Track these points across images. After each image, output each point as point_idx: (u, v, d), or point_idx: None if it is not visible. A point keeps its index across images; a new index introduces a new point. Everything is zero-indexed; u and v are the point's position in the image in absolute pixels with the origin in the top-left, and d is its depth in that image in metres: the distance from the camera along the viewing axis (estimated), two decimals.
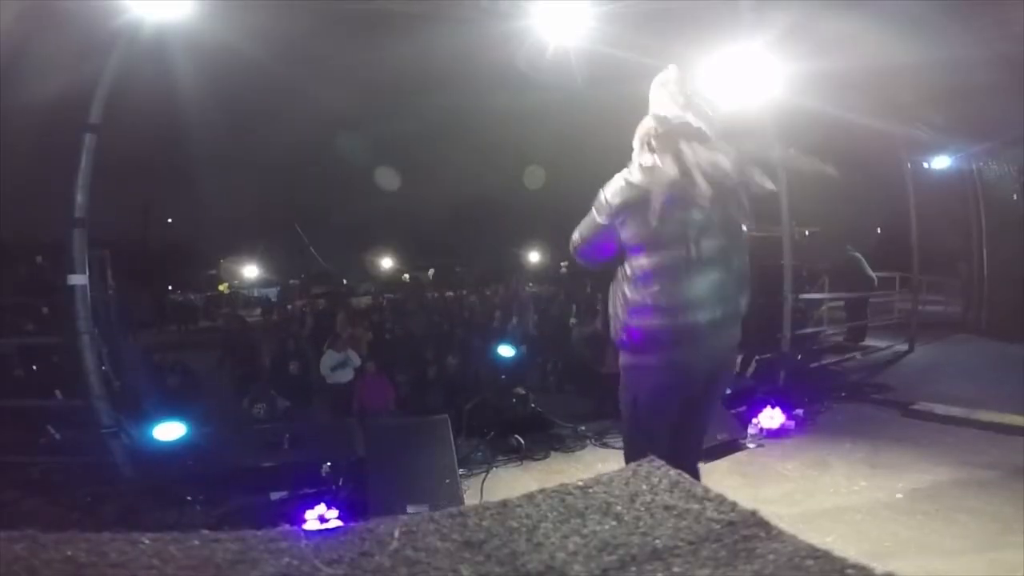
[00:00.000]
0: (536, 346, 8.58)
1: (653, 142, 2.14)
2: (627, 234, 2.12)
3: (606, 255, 2.26)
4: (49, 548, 0.93)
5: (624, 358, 2.26)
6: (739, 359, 2.34)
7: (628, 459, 2.22)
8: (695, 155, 2.06)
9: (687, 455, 2.23)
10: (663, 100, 2.20)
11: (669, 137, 2.11)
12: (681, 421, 2.21)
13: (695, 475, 2.23)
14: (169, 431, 4.33)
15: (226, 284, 29.01)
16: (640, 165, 2.15)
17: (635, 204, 2.08)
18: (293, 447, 3.81)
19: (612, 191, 2.15)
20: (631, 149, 2.24)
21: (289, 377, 6.60)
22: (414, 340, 8.51)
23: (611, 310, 2.26)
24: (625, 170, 2.19)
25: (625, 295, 2.16)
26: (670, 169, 2.06)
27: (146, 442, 4.23)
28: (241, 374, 7.34)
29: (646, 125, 2.20)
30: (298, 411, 6.03)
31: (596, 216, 2.20)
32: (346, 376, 6.63)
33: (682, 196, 2.03)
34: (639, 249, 2.12)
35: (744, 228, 2.21)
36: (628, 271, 2.16)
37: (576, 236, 2.32)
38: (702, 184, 2.02)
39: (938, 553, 2.58)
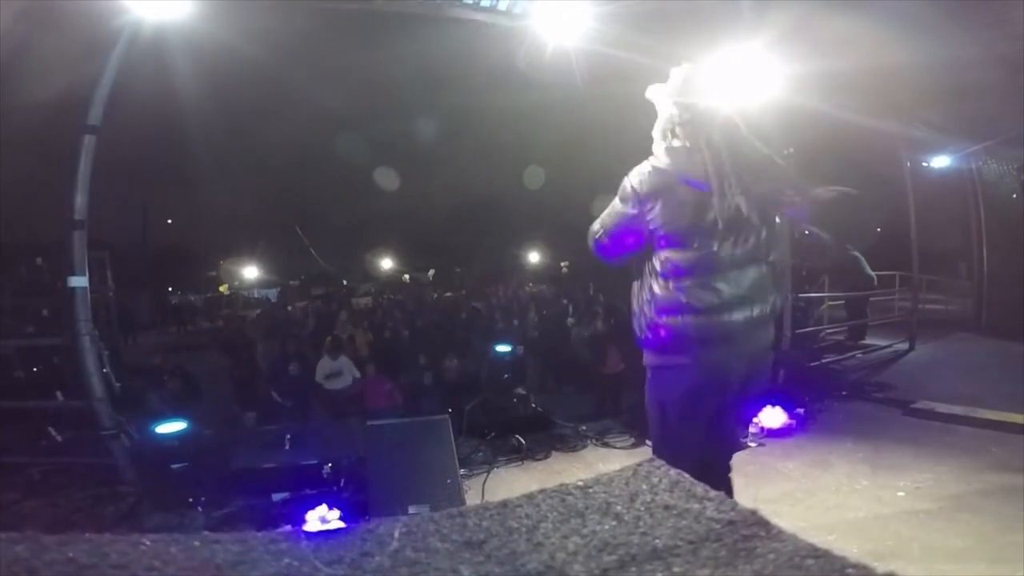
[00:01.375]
0: (536, 346, 8.59)
1: (678, 129, 2.03)
2: (655, 224, 1.97)
3: (630, 248, 2.09)
4: (50, 549, 0.93)
5: (651, 358, 2.13)
6: (772, 358, 2.23)
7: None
8: (727, 140, 1.96)
9: (719, 460, 2.18)
10: (684, 90, 2.09)
11: (695, 124, 2.00)
12: (713, 425, 2.09)
13: (728, 480, 2.18)
14: (169, 427, 4.36)
15: (226, 285, 29.02)
16: (666, 148, 2.04)
17: (664, 190, 1.96)
18: (294, 448, 3.81)
19: (638, 178, 2.01)
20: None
21: (288, 379, 6.60)
22: (414, 341, 8.51)
23: (635, 307, 2.12)
24: (651, 156, 2.07)
25: (653, 291, 2.02)
26: (699, 152, 1.94)
27: (147, 442, 4.24)
28: (239, 375, 7.34)
29: (667, 113, 2.09)
30: (297, 413, 6.03)
31: (620, 205, 2.05)
32: (342, 383, 6.62)
33: (714, 181, 1.91)
34: (668, 241, 1.98)
35: (778, 221, 2.09)
36: (656, 265, 2.01)
37: (597, 226, 2.15)
38: (734, 170, 1.91)
39: (940, 552, 2.57)
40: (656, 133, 2.12)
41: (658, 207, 1.96)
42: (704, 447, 2.08)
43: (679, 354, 2.01)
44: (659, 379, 2.11)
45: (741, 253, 1.96)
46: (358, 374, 6.67)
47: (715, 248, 1.94)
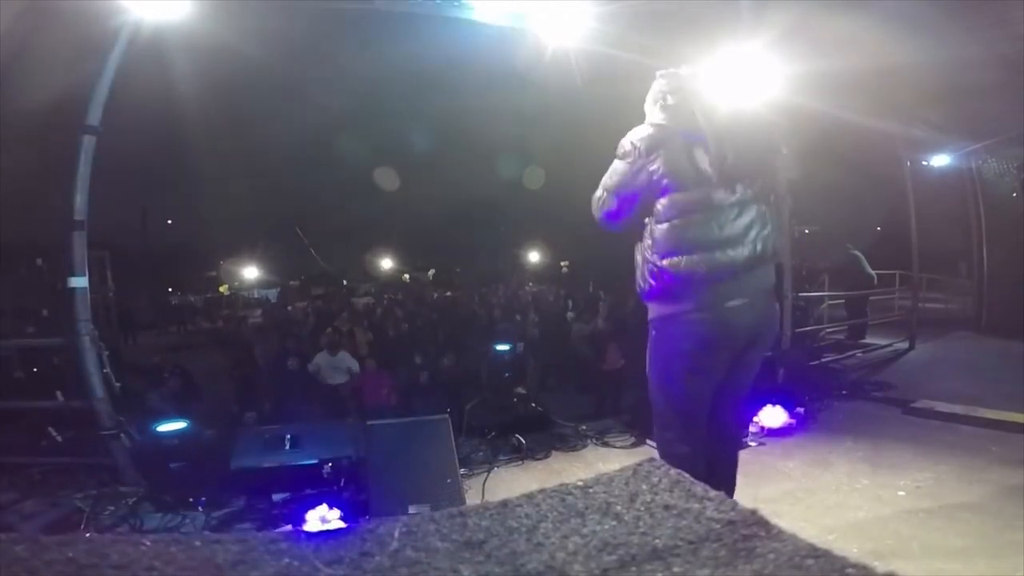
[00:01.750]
0: (536, 345, 8.59)
1: (668, 97, 2.17)
2: (658, 174, 2.06)
3: (635, 204, 2.15)
4: (50, 549, 0.93)
5: (655, 309, 2.15)
6: (778, 314, 2.26)
7: (657, 432, 2.23)
8: (712, 101, 2.09)
9: (727, 427, 2.22)
10: (671, 74, 2.25)
11: (684, 90, 2.15)
12: (724, 386, 2.11)
13: (734, 454, 2.26)
14: (170, 427, 4.36)
15: (226, 285, 29.03)
16: (661, 106, 2.17)
17: (664, 141, 2.07)
18: (294, 448, 3.81)
19: (637, 135, 2.12)
20: None
21: (287, 375, 6.60)
22: (414, 340, 8.51)
23: (637, 260, 2.17)
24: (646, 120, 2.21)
25: (654, 237, 2.09)
26: (690, 109, 2.08)
27: (147, 442, 4.24)
28: (239, 375, 7.35)
29: (657, 86, 2.22)
30: (296, 410, 6.03)
31: (622, 163, 2.14)
32: (340, 378, 6.62)
33: (707, 132, 2.03)
34: (669, 187, 2.06)
35: (778, 169, 2.19)
36: (658, 210, 2.09)
37: (600, 191, 2.22)
38: (720, 122, 2.04)
39: (940, 551, 2.57)
40: (648, 103, 2.25)
41: (659, 158, 2.06)
42: (712, 405, 2.11)
43: (684, 299, 2.05)
44: (664, 331, 2.12)
45: (738, 196, 2.05)
46: (356, 369, 6.67)
47: (713, 191, 2.03)
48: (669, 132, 2.09)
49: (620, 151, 2.15)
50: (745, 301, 2.05)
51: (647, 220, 2.14)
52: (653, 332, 2.18)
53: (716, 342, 2.06)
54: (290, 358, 6.76)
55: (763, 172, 2.10)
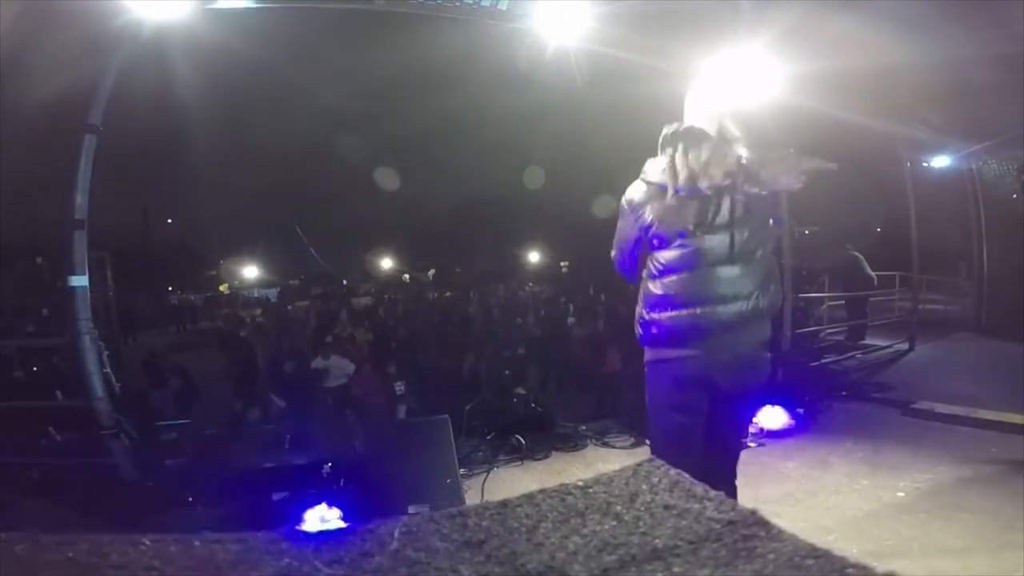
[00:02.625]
0: (536, 346, 8.59)
1: (665, 145, 2.24)
2: (647, 229, 2.18)
3: (637, 258, 2.28)
4: (50, 549, 0.93)
5: (647, 354, 2.27)
6: (768, 362, 2.29)
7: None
8: (700, 154, 2.13)
9: (721, 464, 2.25)
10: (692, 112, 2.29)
11: (675, 138, 2.20)
12: (709, 425, 2.20)
13: (731, 482, 2.26)
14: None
15: (226, 285, 29.05)
16: (649, 162, 2.25)
17: (652, 197, 2.17)
18: (294, 448, 3.81)
19: (630, 192, 2.25)
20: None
21: (285, 377, 6.60)
22: (414, 340, 8.51)
23: (637, 309, 2.27)
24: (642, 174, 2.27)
25: (647, 289, 2.21)
26: (680, 164, 2.13)
27: (147, 441, 4.24)
28: (239, 375, 7.35)
29: (662, 140, 2.28)
30: (294, 411, 6.03)
31: (621, 220, 2.28)
32: (335, 382, 6.60)
33: (693, 188, 2.10)
34: (658, 242, 2.17)
35: (771, 222, 2.25)
36: (649, 267, 2.21)
37: (613, 251, 2.37)
38: (706, 178, 2.10)
39: (940, 552, 2.58)
40: (649, 161, 2.30)
41: (647, 212, 2.18)
42: (702, 448, 2.17)
43: (669, 347, 2.18)
44: (652, 373, 2.27)
45: (725, 251, 2.11)
46: (351, 370, 6.66)
47: (699, 245, 2.11)
48: (660, 189, 2.16)
49: (619, 210, 2.29)
50: (732, 351, 2.14)
51: (644, 274, 2.25)
52: (646, 372, 2.29)
53: (696, 382, 2.16)
54: (287, 360, 6.76)
55: (753, 225, 2.14)
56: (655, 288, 2.17)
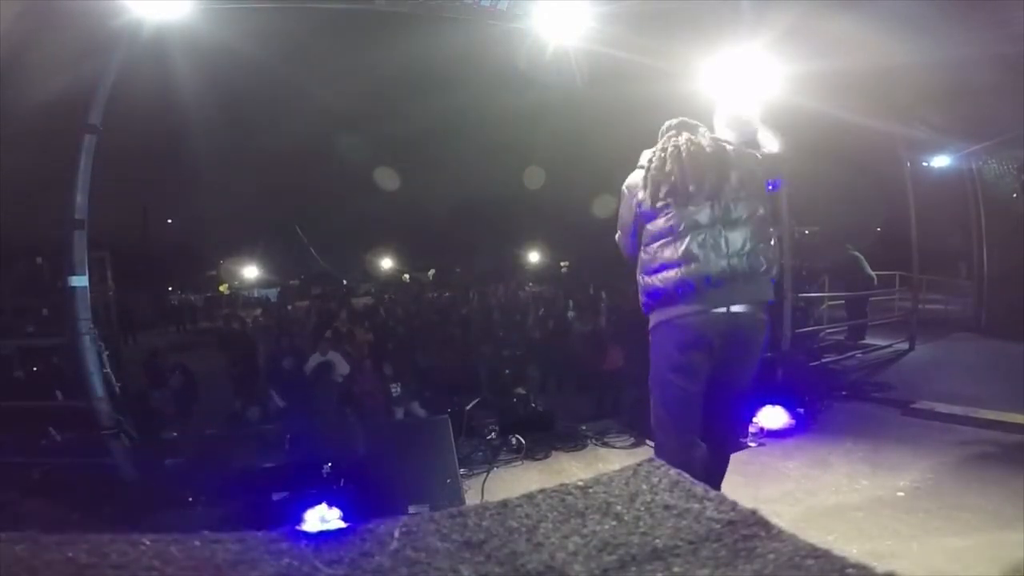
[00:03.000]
0: (537, 346, 8.59)
1: (662, 134, 2.57)
2: (638, 207, 2.43)
3: (636, 237, 2.51)
4: (50, 549, 0.93)
5: (650, 322, 2.44)
6: (764, 324, 2.43)
7: (656, 431, 2.48)
8: (689, 137, 2.46)
9: (722, 425, 2.42)
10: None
11: (670, 128, 2.57)
12: (712, 388, 2.33)
13: (726, 457, 2.47)
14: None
15: (226, 285, 29.04)
16: (649, 151, 2.53)
17: (644, 179, 2.44)
18: (294, 447, 3.81)
19: (630, 178, 2.53)
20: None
21: (284, 374, 6.59)
22: (414, 340, 8.51)
23: (637, 282, 2.47)
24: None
25: (642, 259, 2.44)
26: (670, 146, 2.44)
27: (146, 441, 4.24)
28: (239, 375, 7.34)
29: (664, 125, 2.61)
30: (293, 410, 6.02)
31: (622, 206, 2.54)
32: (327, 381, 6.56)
33: (684, 165, 2.37)
34: (651, 215, 2.40)
35: (759, 193, 2.44)
36: (642, 239, 2.45)
37: (617, 234, 2.61)
38: (692, 156, 2.38)
39: (940, 551, 2.57)
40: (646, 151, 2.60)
41: (640, 192, 2.44)
42: (700, 414, 2.33)
43: (663, 307, 2.36)
44: (655, 337, 2.42)
45: (707, 215, 2.33)
46: (347, 370, 6.65)
47: (681, 212, 2.34)
48: (646, 171, 2.45)
49: (620, 194, 2.56)
50: (728, 308, 2.29)
51: (641, 247, 2.47)
52: (650, 339, 2.45)
53: (695, 342, 2.30)
54: (286, 358, 6.76)
55: (745, 197, 2.37)
56: (646, 255, 2.41)
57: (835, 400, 5.41)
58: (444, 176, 30.12)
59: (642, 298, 2.43)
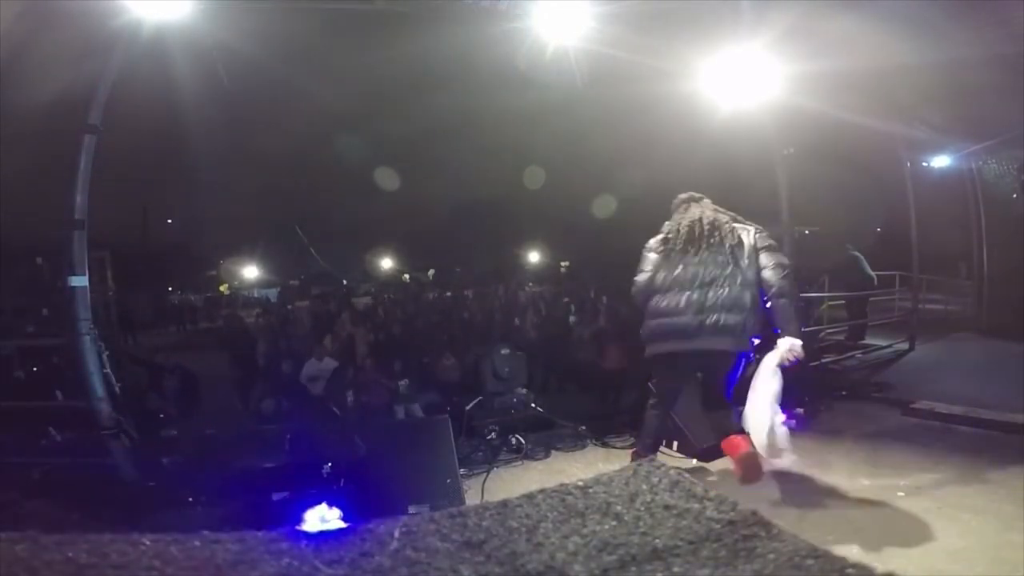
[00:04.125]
0: (537, 346, 8.57)
1: (674, 209, 3.44)
2: (653, 263, 3.33)
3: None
4: (50, 549, 0.93)
5: (646, 352, 3.37)
6: (732, 352, 3.23)
7: (686, 424, 3.68)
8: (695, 216, 3.29)
9: (714, 401, 3.38)
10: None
11: (679, 203, 3.45)
12: (704, 381, 3.40)
13: (727, 416, 3.31)
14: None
15: (226, 285, 29.03)
16: (667, 224, 3.39)
17: (657, 245, 3.35)
18: (294, 448, 3.81)
19: (651, 241, 3.39)
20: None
21: (282, 377, 6.58)
22: (414, 340, 8.50)
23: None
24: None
25: (647, 306, 3.31)
26: (684, 220, 3.31)
27: (146, 441, 4.24)
28: (239, 375, 7.33)
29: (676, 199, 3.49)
30: (291, 413, 6.01)
31: (641, 262, 3.37)
32: (321, 388, 6.54)
33: (683, 238, 3.25)
34: (657, 273, 3.29)
35: (741, 267, 3.15)
36: (651, 290, 3.31)
37: (633, 287, 3.41)
38: (685, 230, 3.26)
39: (940, 552, 2.57)
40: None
41: (652, 255, 3.34)
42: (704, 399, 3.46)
43: (650, 344, 3.32)
44: (650, 360, 3.40)
45: (702, 279, 3.13)
46: (332, 367, 6.60)
47: (678, 273, 3.19)
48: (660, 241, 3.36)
49: (642, 254, 3.41)
50: (691, 351, 3.16)
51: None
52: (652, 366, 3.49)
53: (669, 370, 3.38)
54: (284, 361, 6.74)
55: (726, 268, 3.14)
56: (651, 304, 3.28)
57: (835, 400, 5.41)
58: (444, 176, 30.10)
59: (642, 333, 3.33)
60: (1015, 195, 8.23)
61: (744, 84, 4.75)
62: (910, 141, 7.39)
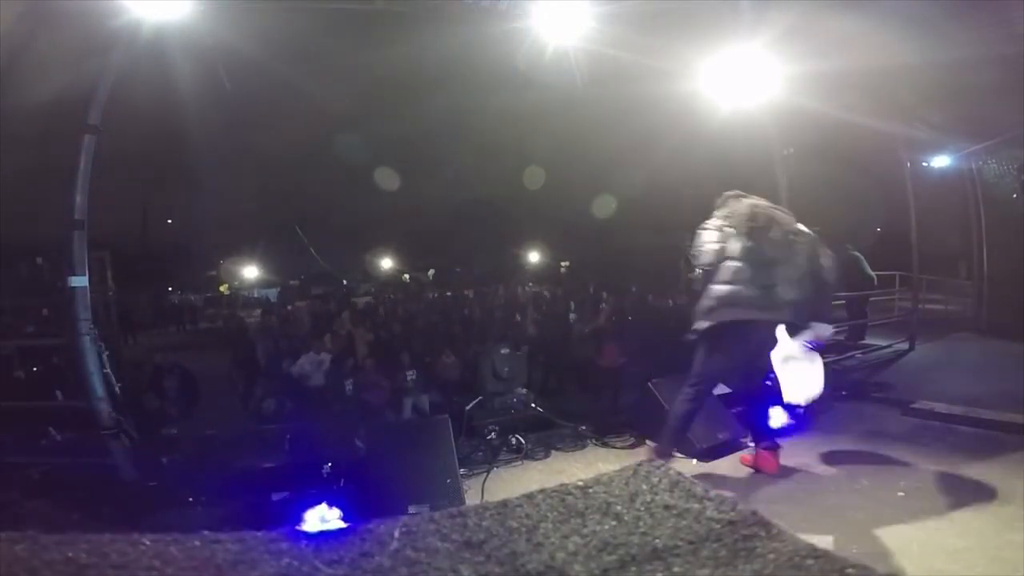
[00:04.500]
0: (537, 346, 8.57)
1: (719, 204, 3.65)
2: (716, 246, 3.49)
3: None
4: (50, 549, 0.93)
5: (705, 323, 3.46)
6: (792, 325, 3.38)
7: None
8: (743, 202, 3.57)
9: (752, 383, 3.79)
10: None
11: (725, 199, 3.66)
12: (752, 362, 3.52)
13: (757, 393, 3.83)
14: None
15: (226, 285, 29.05)
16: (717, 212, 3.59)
17: (722, 226, 3.51)
18: (294, 448, 3.81)
19: (707, 224, 3.58)
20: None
21: (281, 377, 6.58)
22: (414, 340, 8.50)
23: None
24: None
25: (710, 286, 3.46)
26: (741, 207, 3.54)
27: (146, 441, 4.24)
28: (240, 375, 7.34)
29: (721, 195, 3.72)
30: (289, 412, 6.02)
31: (700, 245, 3.52)
32: (317, 381, 6.54)
33: (741, 221, 3.45)
34: (722, 254, 3.46)
35: (798, 252, 3.40)
36: (714, 267, 3.47)
37: (695, 262, 3.57)
38: (746, 213, 3.48)
39: (939, 552, 2.57)
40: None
41: (715, 232, 3.50)
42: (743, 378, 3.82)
43: (712, 313, 3.42)
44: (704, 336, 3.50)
45: (767, 258, 3.36)
46: (321, 373, 6.60)
47: (743, 249, 3.38)
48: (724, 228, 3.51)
49: (698, 235, 3.57)
50: (753, 322, 3.33)
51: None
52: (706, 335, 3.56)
53: (730, 339, 3.44)
54: (284, 359, 6.74)
55: (782, 253, 3.38)
56: (717, 274, 3.42)
57: (835, 400, 5.40)
58: (444, 176, 30.08)
59: (703, 306, 3.46)
60: (1015, 195, 8.22)
61: (744, 84, 4.75)
62: (910, 141, 7.39)
